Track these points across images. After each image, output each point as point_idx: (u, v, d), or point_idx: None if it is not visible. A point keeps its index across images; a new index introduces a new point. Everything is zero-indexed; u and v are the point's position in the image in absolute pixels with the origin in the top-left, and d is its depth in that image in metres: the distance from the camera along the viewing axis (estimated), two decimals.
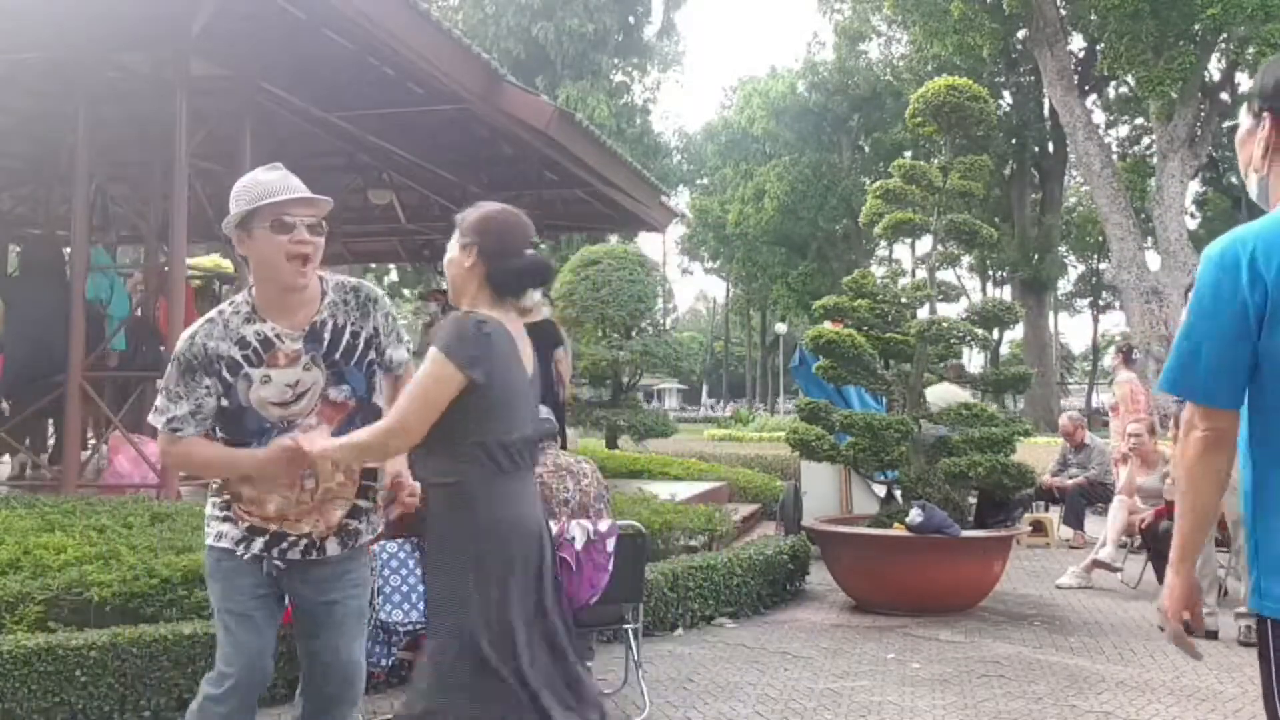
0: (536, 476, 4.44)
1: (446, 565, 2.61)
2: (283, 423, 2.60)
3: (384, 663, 3.93)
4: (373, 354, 2.71)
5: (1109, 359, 11.15)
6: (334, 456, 2.57)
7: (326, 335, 2.64)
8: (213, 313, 2.67)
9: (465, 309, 2.66)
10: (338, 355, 2.65)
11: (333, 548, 2.70)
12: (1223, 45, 24.62)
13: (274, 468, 2.57)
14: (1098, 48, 27.71)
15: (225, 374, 2.57)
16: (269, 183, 2.59)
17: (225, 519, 2.68)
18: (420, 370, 2.56)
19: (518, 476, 2.67)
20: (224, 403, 2.60)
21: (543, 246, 13.85)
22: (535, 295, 2.77)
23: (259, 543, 2.65)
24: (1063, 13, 26.06)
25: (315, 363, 2.62)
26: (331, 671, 2.72)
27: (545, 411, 4.87)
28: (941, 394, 7.78)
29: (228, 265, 9.52)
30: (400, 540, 3.89)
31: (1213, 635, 5.64)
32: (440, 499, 2.62)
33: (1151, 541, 7.26)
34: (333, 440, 2.58)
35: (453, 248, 2.68)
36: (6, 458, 8.56)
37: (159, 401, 2.64)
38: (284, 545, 2.66)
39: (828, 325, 7.48)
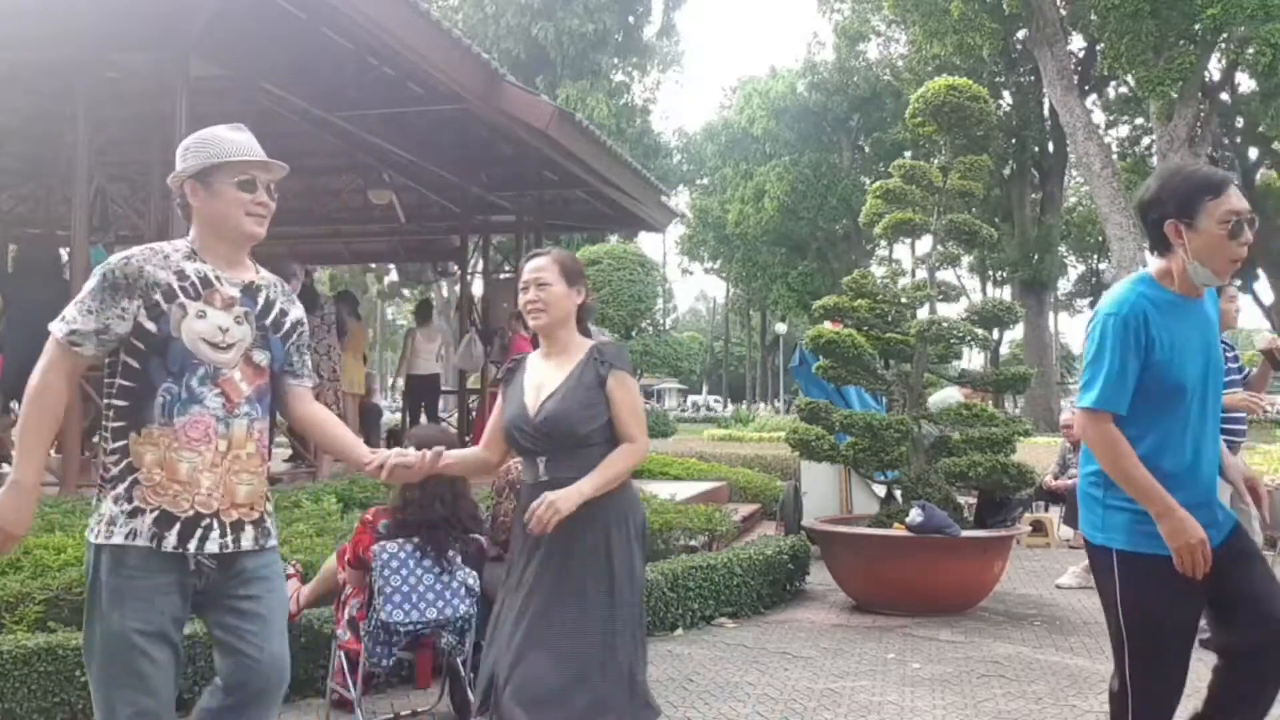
0: None
1: (631, 537, 3.09)
2: (211, 369, 2.52)
3: (384, 663, 3.93)
4: (294, 338, 2.75)
5: None
6: (588, 498, 2.93)
7: (260, 299, 2.67)
8: (152, 244, 2.63)
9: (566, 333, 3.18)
10: (268, 321, 2.67)
11: (247, 540, 2.58)
12: (1223, 45, 24.62)
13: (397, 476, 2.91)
14: (1098, 48, 27.71)
15: (159, 299, 2.49)
16: (237, 141, 2.63)
17: (134, 512, 2.45)
18: (629, 393, 3.09)
19: None
20: (150, 326, 2.48)
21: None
22: None
23: (172, 535, 2.46)
24: (1063, 13, 26.06)
25: (247, 319, 2.62)
26: (260, 668, 2.61)
27: None
28: (944, 398, 7.78)
29: None
30: (400, 540, 3.89)
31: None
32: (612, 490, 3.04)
33: None
34: (572, 490, 2.92)
35: (560, 283, 3.13)
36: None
37: (67, 311, 2.49)
38: (199, 534, 2.49)
39: (828, 325, 7.48)
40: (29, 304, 7.52)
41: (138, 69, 6.91)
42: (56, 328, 2.49)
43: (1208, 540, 2.61)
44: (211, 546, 2.51)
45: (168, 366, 2.49)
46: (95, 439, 7.99)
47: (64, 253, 9.18)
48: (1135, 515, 2.69)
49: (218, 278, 2.59)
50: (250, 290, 2.65)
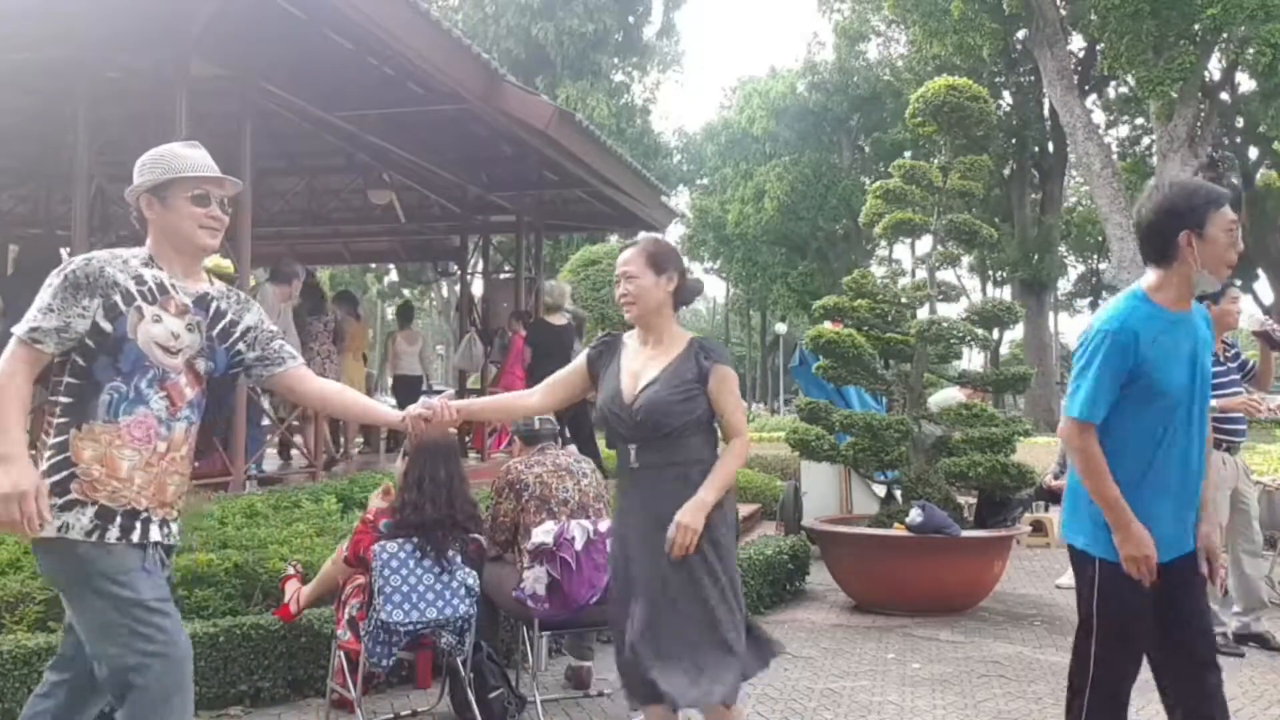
0: (536, 477, 4.46)
1: (727, 520, 3.23)
2: (159, 371, 2.62)
3: (384, 663, 3.92)
4: (242, 346, 2.85)
5: None
6: (711, 503, 3.07)
7: (211, 309, 2.78)
8: (112, 249, 2.72)
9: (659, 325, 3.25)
10: (215, 332, 2.78)
11: (174, 536, 2.70)
12: (1223, 45, 24.62)
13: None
14: (1098, 48, 27.70)
15: (118, 300, 2.58)
16: (192, 158, 2.75)
17: (67, 505, 2.51)
18: (732, 388, 3.19)
19: None
20: (105, 326, 2.57)
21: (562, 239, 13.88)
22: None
23: (113, 529, 2.54)
24: (1063, 13, 26.06)
25: (198, 327, 2.73)
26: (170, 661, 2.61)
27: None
28: (945, 399, 7.78)
29: (228, 265, 9.48)
30: (400, 540, 3.89)
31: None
32: (697, 475, 3.13)
33: None
34: (697, 504, 3.04)
35: (647, 275, 3.18)
36: None
37: (29, 311, 2.58)
38: (139, 527, 2.57)
39: (828, 325, 7.48)
40: (29, 304, 7.52)
41: (138, 69, 6.91)
42: (18, 328, 2.57)
43: (1154, 556, 2.82)
44: (155, 536, 2.61)
45: (118, 366, 2.58)
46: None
47: (64, 253, 9.19)
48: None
49: (173, 285, 2.70)
50: (202, 301, 2.77)
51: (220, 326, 2.79)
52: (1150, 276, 2.95)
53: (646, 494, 3.16)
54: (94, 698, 2.73)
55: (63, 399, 2.59)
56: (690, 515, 3.02)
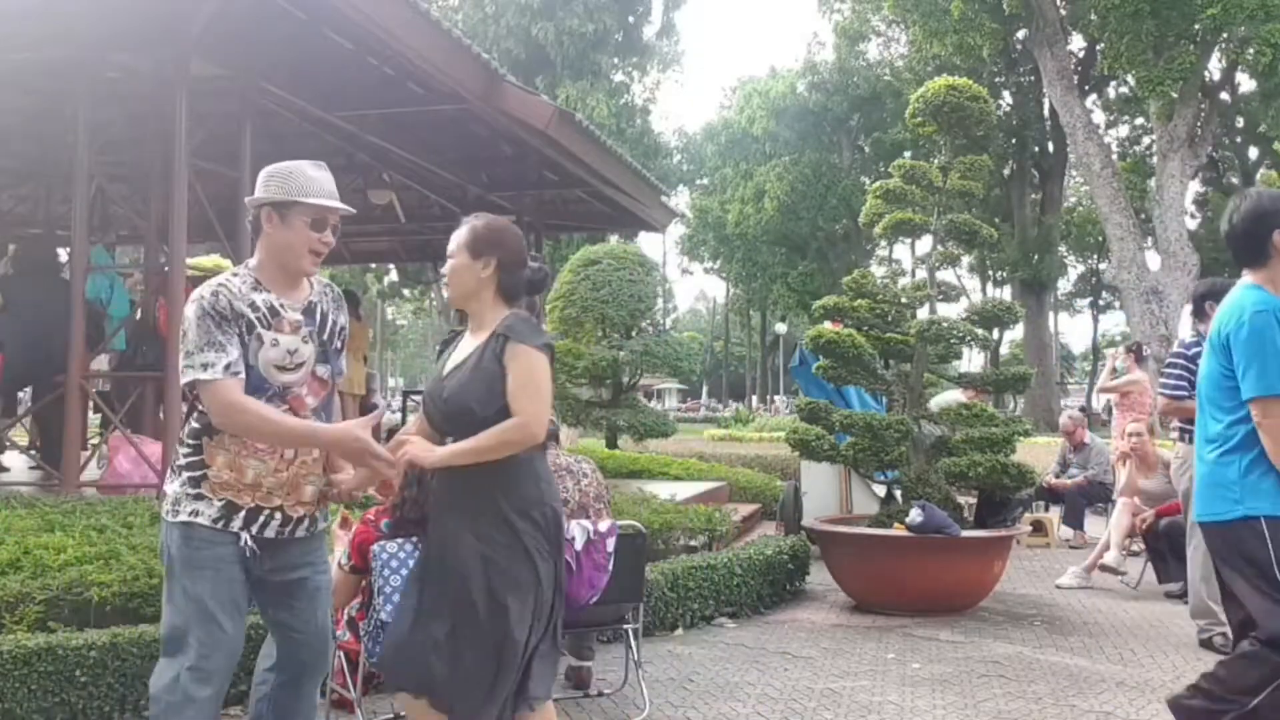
0: None
1: (517, 529, 2.90)
2: (281, 389, 2.75)
3: None
4: (338, 343, 2.95)
5: (1120, 362, 11.11)
6: (449, 463, 2.80)
7: (317, 315, 2.87)
8: (218, 279, 2.76)
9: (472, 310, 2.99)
10: (325, 336, 2.88)
11: (301, 529, 2.84)
12: (1223, 45, 24.62)
13: (341, 449, 2.78)
14: (1098, 48, 27.71)
15: (243, 330, 2.69)
16: (317, 182, 2.81)
17: (198, 496, 2.71)
18: (522, 365, 2.82)
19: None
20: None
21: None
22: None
23: (237, 520, 2.71)
24: (1063, 13, 26.06)
25: (310, 337, 2.82)
26: (307, 640, 2.88)
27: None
28: (946, 401, 7.78)
29: (228, 265, 9.51)
30: (400, 540, 3.89)
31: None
32: (508, 474, 2.86)
33: (1152, 541, 7.26)
34: (441, 449, 2.82)
35: (463, 255, 2.94)
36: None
37: (202, 357, 2.61)
38: (260, 521, 2.74)
39: (828, 325, 7.48)
40: (29, 304, 7.52)
41: (138, 69, 6.91)
42: (209, 374, 2.62)
43: None
44: (269, 533, 2.76)
45: (243, 388, 2.68)
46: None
47: (64, 253, 9.19)
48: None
49: (282, 305, 2.77)
50: (309, 310, 2.85)
51: (328, 330, 2.89)
52: (1254, 274, 3.20)
53: (456, 489, 2.89)
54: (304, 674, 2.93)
55: (200, 410, 2.73)
56: (427, 452, 2.78)
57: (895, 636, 5.87)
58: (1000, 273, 37.66)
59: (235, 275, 2.80)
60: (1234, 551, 3.14)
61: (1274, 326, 3.05)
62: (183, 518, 2.70)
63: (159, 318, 7.64)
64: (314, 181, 2.80)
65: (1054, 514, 9.87)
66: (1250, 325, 3.07)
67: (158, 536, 2.96)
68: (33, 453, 8.69)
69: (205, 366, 2.62)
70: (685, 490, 9.15)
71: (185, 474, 2.73)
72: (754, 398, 55.27)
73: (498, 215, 3.10)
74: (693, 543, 6.93)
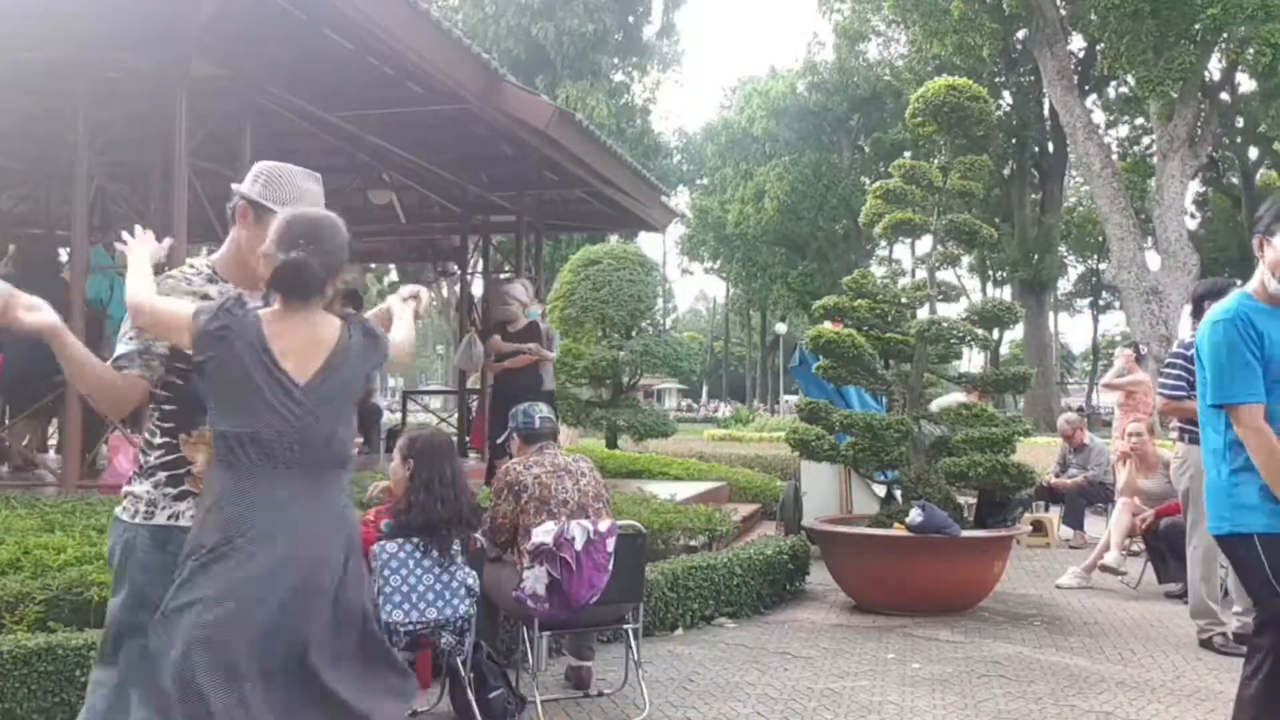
0: (535, 478, 4.45)
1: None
2: None
3: None
4: None
5: (1118, 362, 11.14)
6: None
7: None
8: (173, 271, 2.73)
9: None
10: None
11: None
12: (1223, 45, 24.63)
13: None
14: (1098, 48, 27.72)
15: None
16: (307, 195, 2.76)
17: (180, 497, 2.59)
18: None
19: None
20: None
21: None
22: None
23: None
24: (1063, 13, 26.08)
25: None
26: None
27: (546, 410, 4.89)
28: (947, 404, 7.78)
29: None
30: (400, 540, 3.89)
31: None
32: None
33: (1152, 541, 7.27)
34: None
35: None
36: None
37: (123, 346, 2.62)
38: None
39: (828, 325, 7.48)
40: None
41: (138, 69, 6.91)
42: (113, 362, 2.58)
43: None
44: None
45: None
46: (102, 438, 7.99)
47: (64, 252, 9.18)
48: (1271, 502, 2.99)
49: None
50: None
51: None
52: (1253, 280, 3.24)
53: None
54: None
55: (165, 407, 2.64)
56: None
57: (895, 636, 5.87)
58: (1000, 273, 37.68)
59: (191, 267, 2.74)
60: (1233, 560, 3.22)
61: (1233, 334, 3.02)
62: (159, 520, 2.59)
63: None
64: (301, 194, 2.74)
65: (1054, 514, 9.87)
66: (1210, 334, 3.08)
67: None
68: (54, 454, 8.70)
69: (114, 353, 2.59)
70: (685, 490, 9.15)
71: (162, 473, 2.62)
72: (754, 399, 55.26)
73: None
74: (693, 543, 6.93)
